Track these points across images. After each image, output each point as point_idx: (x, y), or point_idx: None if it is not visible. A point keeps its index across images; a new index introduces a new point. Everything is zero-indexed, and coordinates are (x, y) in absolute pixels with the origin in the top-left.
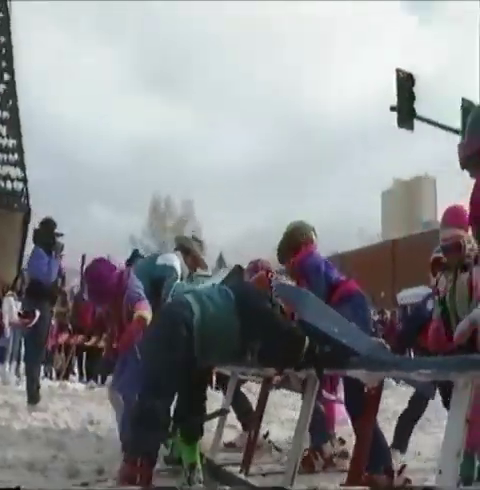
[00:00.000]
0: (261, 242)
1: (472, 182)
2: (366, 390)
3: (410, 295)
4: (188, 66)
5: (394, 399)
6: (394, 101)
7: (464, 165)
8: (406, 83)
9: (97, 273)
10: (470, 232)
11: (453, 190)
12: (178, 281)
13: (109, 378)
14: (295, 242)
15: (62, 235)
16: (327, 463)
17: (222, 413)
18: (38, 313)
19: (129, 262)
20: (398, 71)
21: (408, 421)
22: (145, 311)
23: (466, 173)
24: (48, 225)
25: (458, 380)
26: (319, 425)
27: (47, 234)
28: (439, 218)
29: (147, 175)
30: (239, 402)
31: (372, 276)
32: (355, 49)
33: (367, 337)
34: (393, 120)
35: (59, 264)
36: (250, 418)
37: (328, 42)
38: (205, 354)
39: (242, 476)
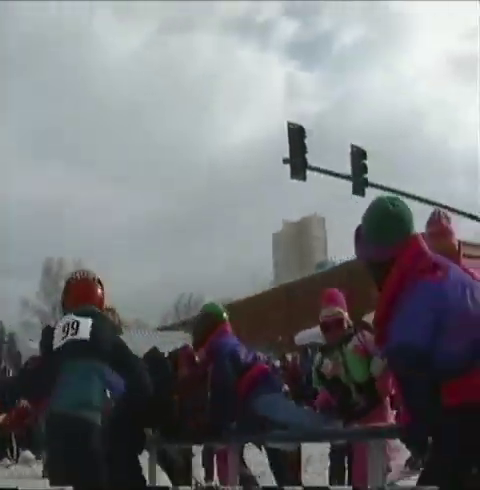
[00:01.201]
0: (154, 298)
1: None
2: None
3: (308, 336)
4: (76, 128)
5: None
6: (285, 149)
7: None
8: (297, 136)
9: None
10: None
11: (342, 229)
12: None
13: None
14: (206, 329)
15: None
16: None
17: None
18: None
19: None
20: (289, 124)
21: None
22: None
23: (353, 211)
24: None
25: (371, 443)
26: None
27: None
28: (330, 258)
29: (38, 238)
30: None
31: (268, 321)
32: (241, 100)
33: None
34: (284, 168)
35: None
36: None
37: (211, 98)
38: None
39: None
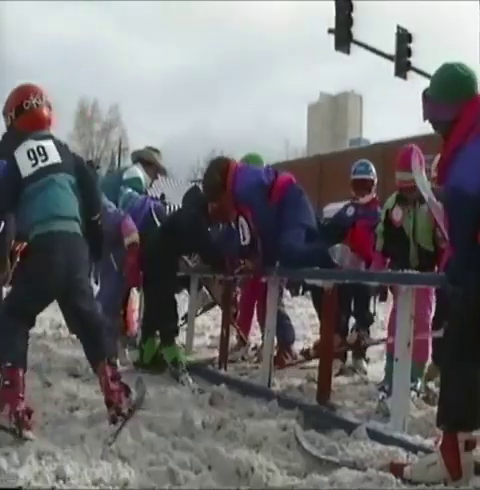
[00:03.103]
0: (183, 148)
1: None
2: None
3: (336, 209)
4: None
5: None
6: (332, 23)
7: (430, 121)
8: (345, 8)
9: None
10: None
11: (378, 109)
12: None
13: None
14: (216, 179)
15: None
16: (294, 360)
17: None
18: None
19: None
20: None
21: None
22: (134, 234)
23: (392, 93)
24: None
25: (402, 287)
26: (286, 327)
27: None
28: (364, 136)
29: (73, 79)
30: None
31: None
32: None
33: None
34: (328, 39)
35: None
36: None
37: None
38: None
39: (223, 372)
